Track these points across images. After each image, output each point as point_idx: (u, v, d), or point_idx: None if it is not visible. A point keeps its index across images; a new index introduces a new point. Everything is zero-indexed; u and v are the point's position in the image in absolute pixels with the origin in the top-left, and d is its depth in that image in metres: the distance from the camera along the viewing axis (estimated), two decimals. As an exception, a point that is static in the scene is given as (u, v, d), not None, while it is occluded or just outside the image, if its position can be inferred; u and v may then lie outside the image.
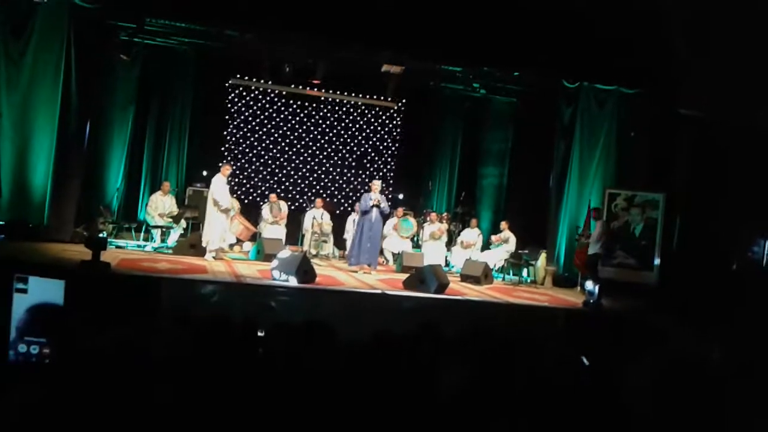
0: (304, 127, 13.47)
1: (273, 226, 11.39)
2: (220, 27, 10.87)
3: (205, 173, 12.04)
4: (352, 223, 11.91)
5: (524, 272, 11.46)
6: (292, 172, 13.45)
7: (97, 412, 2.32)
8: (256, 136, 13.21)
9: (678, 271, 10.35)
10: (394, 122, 13.93)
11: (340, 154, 13.70)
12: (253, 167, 13.20)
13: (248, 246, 10.98)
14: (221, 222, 9.61)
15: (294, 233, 11.76)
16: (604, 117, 11.53)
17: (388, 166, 13.96)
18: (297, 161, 13.46)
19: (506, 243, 11.54)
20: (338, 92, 13.44)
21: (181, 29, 11.15)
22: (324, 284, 8.30)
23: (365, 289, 8.32)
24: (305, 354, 3.15)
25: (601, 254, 9.96)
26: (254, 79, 12.87)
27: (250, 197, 12.92)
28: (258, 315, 3.89)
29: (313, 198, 12.64)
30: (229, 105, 13.02)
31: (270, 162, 13.31)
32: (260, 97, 13.21)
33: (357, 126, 13.75)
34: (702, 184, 10.45)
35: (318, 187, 13.54)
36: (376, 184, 10.07)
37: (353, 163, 13.77)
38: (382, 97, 13.49)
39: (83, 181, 10.29)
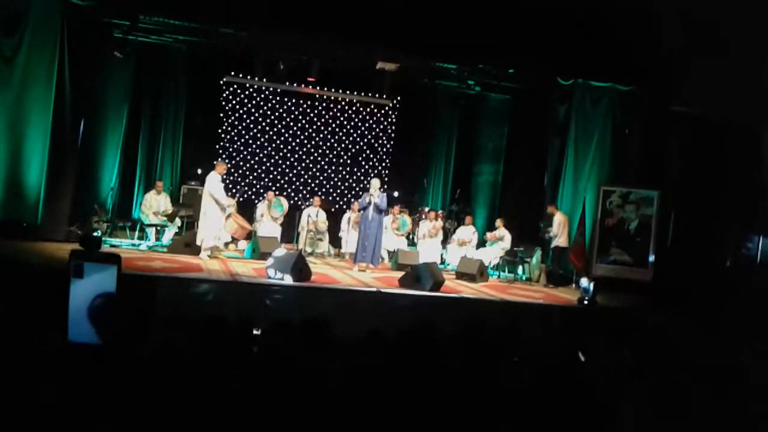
0: (299, 125, 13.43)
1: (269, 223, 11.36)
2: (215, 24, 10.85)
3: (199, 171, 11.99)
4: (347, 221, 11.90)
5: (519, 270, 11.48)
6: (287, 170, 13.41)
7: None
8: (251, 133, 13.16)
9: (672, 268, 10.38)
10: (389, 120, 13.91)
11: (334, 152, 13.67)
12: (248, 165, 13.16)
13: (243, 244, 10.96)
14: (216, 220, 9.58)
15: (289, 231, 11.74)
16: (599, 114, 11.56)
17: (383, 164, 13.94)
18: (292, 159, 13.42)
19: (501, 240, 11.55)
20: (333, 90, 13.40)
21: (175, 27, 11.12)
22: (319, 282, 8.30)
23: (360, 287, 8.32)
24: (300, 352, 3.16)
25: (565, 247, 10.76)
26: (249, 77, 12.83)
27: (246, 195, 12.88)
28: (253, 313, 3.89)
29: (309, 196, 12.60)
30: (223, 103, 12.98)
31: (265, 160, 13.27)
32: (255, 94, 13.16)
33: (352, 123, 13.71)
34: (696, 181, 10.49)
35: (313, 185, 13.51)
36: (374, 183, 10.05)
37: (348, 161, 13.75)
38: (376, 95, 13.48)
39: (77, 179, 10.25)
